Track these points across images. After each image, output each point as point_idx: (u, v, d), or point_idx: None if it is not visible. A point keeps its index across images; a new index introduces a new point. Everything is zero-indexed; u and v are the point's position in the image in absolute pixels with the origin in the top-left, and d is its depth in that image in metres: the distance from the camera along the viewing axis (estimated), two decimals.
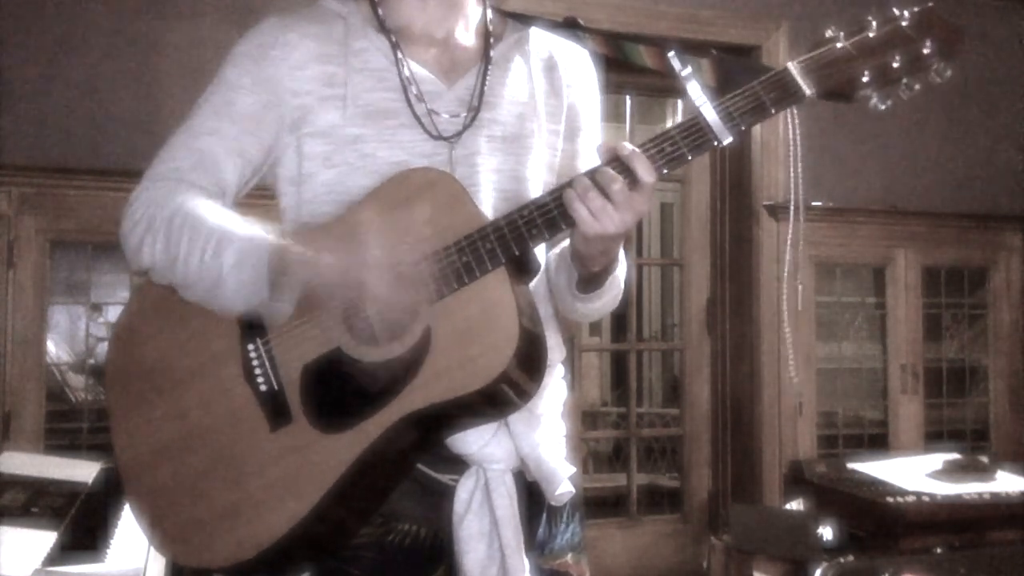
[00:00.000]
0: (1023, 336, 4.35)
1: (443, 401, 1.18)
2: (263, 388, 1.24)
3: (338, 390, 1.21)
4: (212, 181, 1.31)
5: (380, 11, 1.36)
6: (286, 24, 1.34)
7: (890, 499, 2.89)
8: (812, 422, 4.01)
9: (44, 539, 1.67)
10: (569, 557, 1.38)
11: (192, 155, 1.31)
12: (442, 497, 1.29)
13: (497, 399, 1.21)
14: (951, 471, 3.17)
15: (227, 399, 1.25)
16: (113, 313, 3.65)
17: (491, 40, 1.39)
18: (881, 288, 4.20)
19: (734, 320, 4.25)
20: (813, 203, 4.01)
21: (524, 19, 1.43)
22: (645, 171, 1.18)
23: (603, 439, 6.15)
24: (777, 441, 3.98)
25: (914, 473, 3.18)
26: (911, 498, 2.90)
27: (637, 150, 1.19)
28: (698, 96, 1.19)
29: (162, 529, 1.27)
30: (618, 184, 1.17)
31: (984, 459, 3.33)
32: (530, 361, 1.21)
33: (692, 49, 1.29)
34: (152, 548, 1.33)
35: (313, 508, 1.19)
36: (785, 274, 1.49)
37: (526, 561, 1.27)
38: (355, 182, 1.28)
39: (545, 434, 1.33)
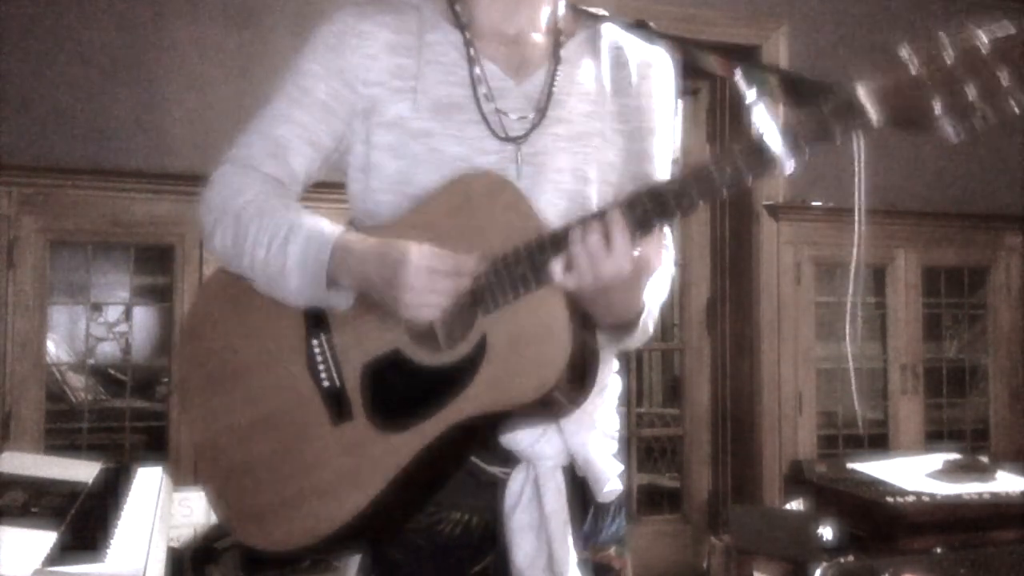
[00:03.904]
0: (1023, 336, 4.35)
1: (500, 410, 1.21)
2: (325, 384, 1.28)
3: (396, 391, 1.24)
4: (283, 170, 1.34)
5: (456, 6, 1.37)
6: (363, 13, 1.36)
7: (890, 499, 2.89)
8: (812, 422, 4.01)
9: (44, 539, 1.67)
10: (612, 550, 1.39)
11: (266, 143, 1.35)
12: (494, 489, 1.30)
13: (549, 408, 1.23)
14: (951, 471, 3.17)
15: (292, 391, 1.29)
16: (113, 313, 3.66)
17: (561, 38, 1.38)
18: (881, 288, 4.20)
19: (734, 320, 4.25)
20: (813, 203, 4.01)
21: (597, 17, 1.42)
22: (620, 235, 1.15)
23: None
24: (777, 441, 3.98)
25: (914, 473, 3.18)
26: (911, 498, 2.90)
27: (617, 215, 1.16)
28: (763, 119, 1.15)
29: (231, 510, 1.33)
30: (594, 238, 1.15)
31: (984, 459, 3.32)
32: (582, 373, 1.22)
33: (753, 64, 1.26)
34: (228, 530, 1.41)
35: (371, 502, 1.23)
36: (850, 283, 1.44)
37: (573, 554, 1.29)
38: (420, 175, 1.29)
39: (595, 433, 1.34)
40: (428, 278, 1.17)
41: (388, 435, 1.23)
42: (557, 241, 1.18)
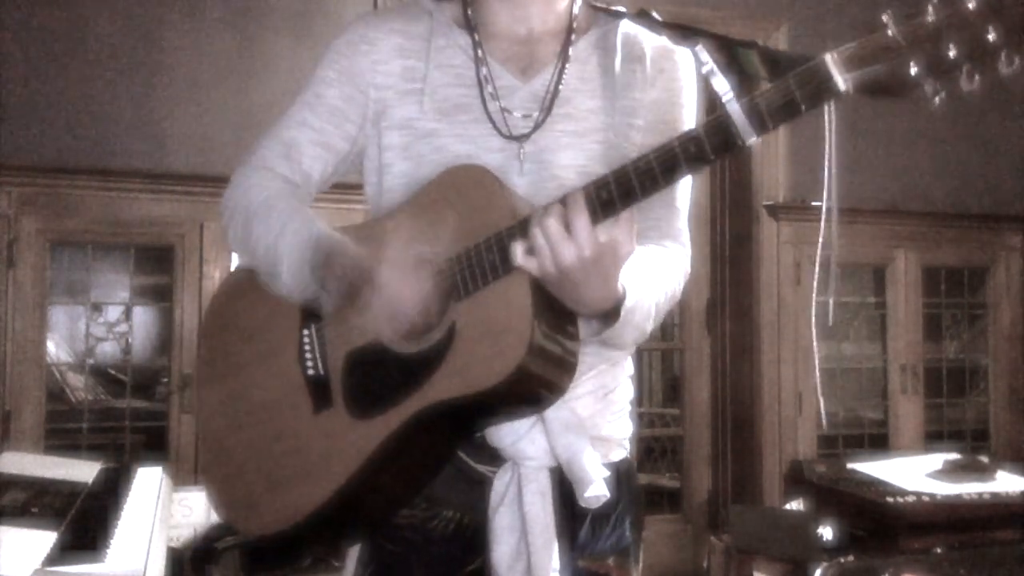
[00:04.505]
0: (1023, 336, 4.35)
1: (459, 396, 1.19)
2: (310, 372, 1.31)
3: (373, 379, 1.27)
4: (296, 170, 1.39)
5: (469, 11, 1.39)
6: (375, 21, 1.42)
7: (890, 499, 2.89)
8: (812, 422, 4.01)
9: (44, 539, 1.67)
10: (611, 560, 1.37)
11: (280, 145, 1.40)
12: (482, 487, 1.30)
13: (520, 396, 1.21)
14: (951, 471, 3.16)
15: (282, 380, 1.34)
16: (113, 313, 3.66)
17: (572, 36, 1.39)
18: (881, 288, 4.20)
19: (734, 320, 4.25)
20: (813, 203, 4.01)
21: (614, 13, 1.41)
22: (577, 218, 1.13)
23: None
24: (777, 441, 3.98)
25: (914, 473, 3.18)
26: (911, 498, 2.89)
27: (579, 199, 1.13)
28: (723, 90, 1.10)
29: (222, 497, 1.39)
30: (552, 222, 1.14)
31: (984, 459, 3.32)
32: (553, 360, 1.21)
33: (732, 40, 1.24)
34: (221, 517, 1.47)
35: (341, 487, 1.25)
36: (815, 284, 1.38)
37: (556, 560, 1.27)
38: (427, 174, 1.31)
39: (584, 436, 1.31)
40: (386, 304, 1.21)
41: (359, 422, 1.26)
42: (523, 226, 1.17)
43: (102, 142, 3.34)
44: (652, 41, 1.40)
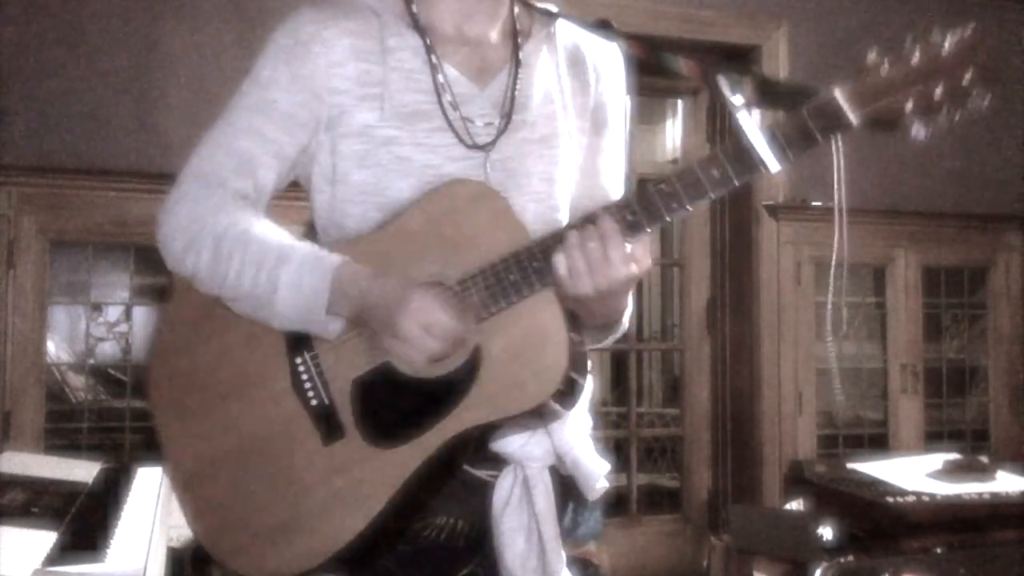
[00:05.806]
0: (1023, 336, 4.35)
1: (497, 420, 1.21)
2: (313, 402, 1.25)
3: (388, 406, 1.23)
4: (251, 184, 1.30)
5: (414, 7, 1.35)
6: (324, 18, 1.32)
7: (890, 499, 2.89)
8: (812, 422, 4.01)
9: (44, 539, 1.67)
10: (592, 545, 1.40)
11: (233, 157, 1.30)
12: (481, 492, 1.30)
13: (546, 413, 1.24)
14: (951, 471, 3.17)
15: (277, 412, 1.26)
16: (113, 313, 3.66)
17: (519, 39, 1.37)
18: (881, 288, 4.20)
19: (734, 320, 4.25)
20: (813, 203, 4.01)
21: (551, 15, 1.41)
22: (617, 244, 1.17)
23: (603, 439, 6.16)
24: (777, 441, 3.98)
25: (914, 473, 3.18)
26: (911, 498, 2.90)
27: (613, 224, 1.17)
28: (748, 123, 1.18)
29: (220, 540, 1.28)
30: (593, 243, 1.17)
31: (984, 459, 3.33)
32: (577, 377, 1.23)
33: (729, 62, 1.28)
34: (216, 559, 1.31)
35: (373, 520, 1.22)
36: (830, 284, 1.50)
37: (563, 553, 1.29)
38: (389, 183, 1.28)
39: (576, 432, 1.34)
40: (420, 333, 1.17)
41: (384, 451, 1.22)
42: (548, 249, 1.19)
43: (102, 142, 3.34)
44: (588, 41, 1.42)
